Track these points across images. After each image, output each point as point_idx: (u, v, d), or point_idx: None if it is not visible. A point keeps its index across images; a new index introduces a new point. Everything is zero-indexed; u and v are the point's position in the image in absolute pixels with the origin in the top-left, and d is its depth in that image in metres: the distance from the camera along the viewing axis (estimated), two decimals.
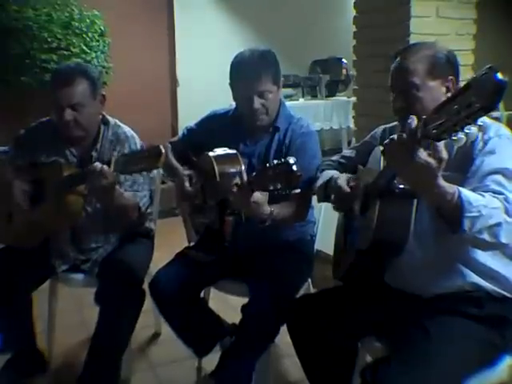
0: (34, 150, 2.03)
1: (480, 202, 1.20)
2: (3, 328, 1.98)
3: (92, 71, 1.99)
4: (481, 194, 1.24)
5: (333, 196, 1.65)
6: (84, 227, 2.02)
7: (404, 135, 1.15)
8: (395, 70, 1.51)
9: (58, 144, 2.03)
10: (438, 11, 2.67)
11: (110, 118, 2.09)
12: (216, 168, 1.74)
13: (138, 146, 2.06)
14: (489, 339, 1.37)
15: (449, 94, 1.45)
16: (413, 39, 2.57)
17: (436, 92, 1.46)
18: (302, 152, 1.85)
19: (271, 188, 1.43)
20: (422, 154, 1.12)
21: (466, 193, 1.21)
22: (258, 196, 1.57)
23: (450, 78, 1.47)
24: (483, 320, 1.39)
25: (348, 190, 1.56)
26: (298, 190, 1.42)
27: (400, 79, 1.48)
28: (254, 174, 1.53)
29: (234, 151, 1.80)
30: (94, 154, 2.01)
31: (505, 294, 1.43)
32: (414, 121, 1.13)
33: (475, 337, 1.36)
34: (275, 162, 1.43)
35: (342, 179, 1.61)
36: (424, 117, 1.09)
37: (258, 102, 1.83)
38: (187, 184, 1.91)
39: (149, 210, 2.15)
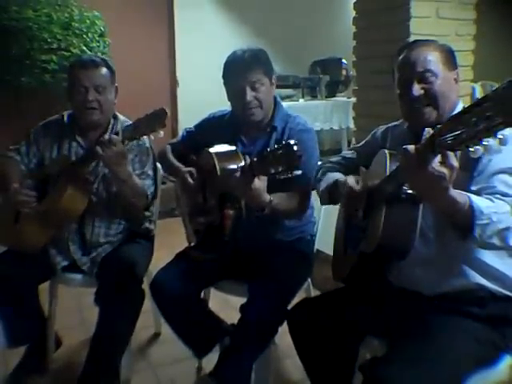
0: (45, 145, 2.10)
1: (491, 210, 1.20)
2: (12, 324, 2.00)
3: (109, 62, 2.08)
4: (490, 199, 1.24)
5: (343, 196, 1.62)
6: (91, 215, 2.04)
7: (418, 146, 1.12)
8: (408, 59, 1.47)
9: (66, 136, 2.08)
10: (438, 12, 2.66)
11: (119, 115, 2.12)
12: (216, 162, 1.75)
13: (147, 144, 2.09)
14: (490, 339, 1.37)
15: (457, 87, 1.47)
16: (412, 40, 2.56)
17: (450, 82, 1.46)
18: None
19: (272, 171, 1.42)
20: (436, 165, 1.10)
21: (476, 201, 1.20)
22: (258, 183, 1.57)
23: (457, 71, 1.49)
24: (485, 319, 1.39)
25: (360, 188, 1.53)
26: (300, 172, 1.41)
27: (417, 67, 1.44)
28: (255, 158, 1.52)
29: (233, 147, 1.83)
30: None
31: (508, 293, 1.43)
32: (429, 131, 1.11)
33: (476, 336, 1.35)
34: (276, 145, 1.43)
35: (352, 180, 1.58)
36: (439, 126, 1.06)
37: (250, 94, 1.84)
38: (189, 179, 1.92)
39: (150, 211, 2.18)
